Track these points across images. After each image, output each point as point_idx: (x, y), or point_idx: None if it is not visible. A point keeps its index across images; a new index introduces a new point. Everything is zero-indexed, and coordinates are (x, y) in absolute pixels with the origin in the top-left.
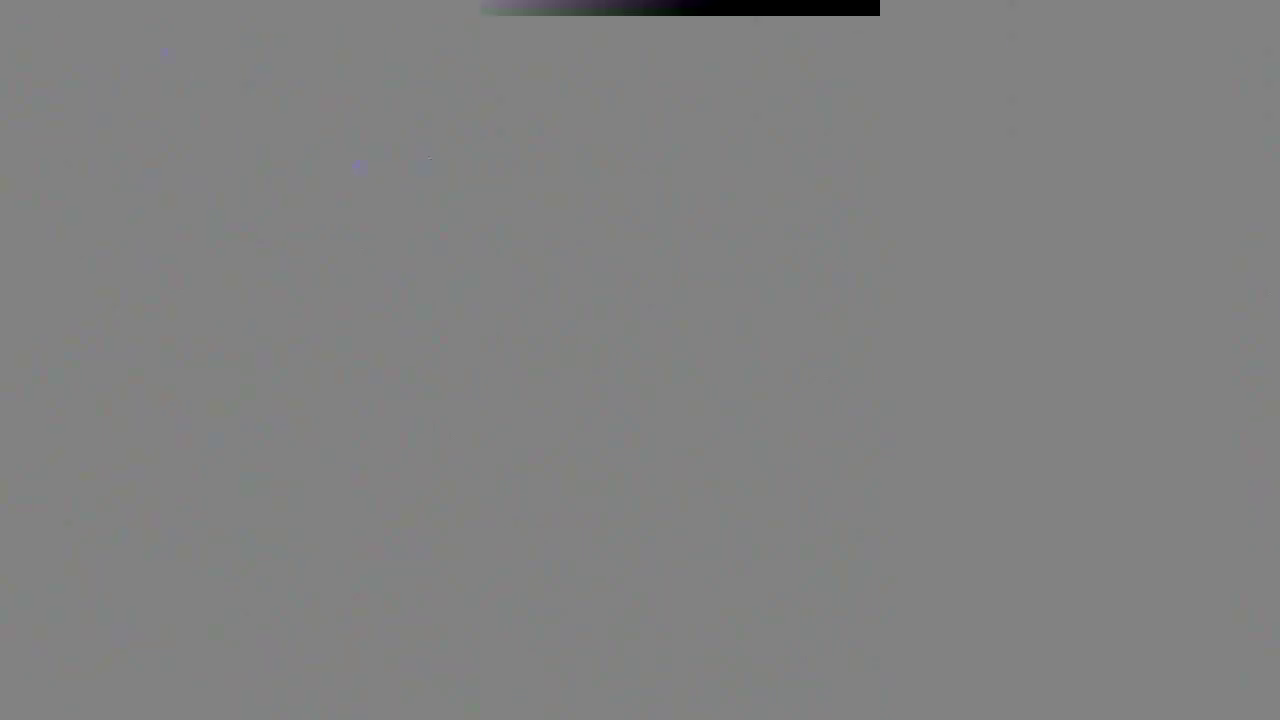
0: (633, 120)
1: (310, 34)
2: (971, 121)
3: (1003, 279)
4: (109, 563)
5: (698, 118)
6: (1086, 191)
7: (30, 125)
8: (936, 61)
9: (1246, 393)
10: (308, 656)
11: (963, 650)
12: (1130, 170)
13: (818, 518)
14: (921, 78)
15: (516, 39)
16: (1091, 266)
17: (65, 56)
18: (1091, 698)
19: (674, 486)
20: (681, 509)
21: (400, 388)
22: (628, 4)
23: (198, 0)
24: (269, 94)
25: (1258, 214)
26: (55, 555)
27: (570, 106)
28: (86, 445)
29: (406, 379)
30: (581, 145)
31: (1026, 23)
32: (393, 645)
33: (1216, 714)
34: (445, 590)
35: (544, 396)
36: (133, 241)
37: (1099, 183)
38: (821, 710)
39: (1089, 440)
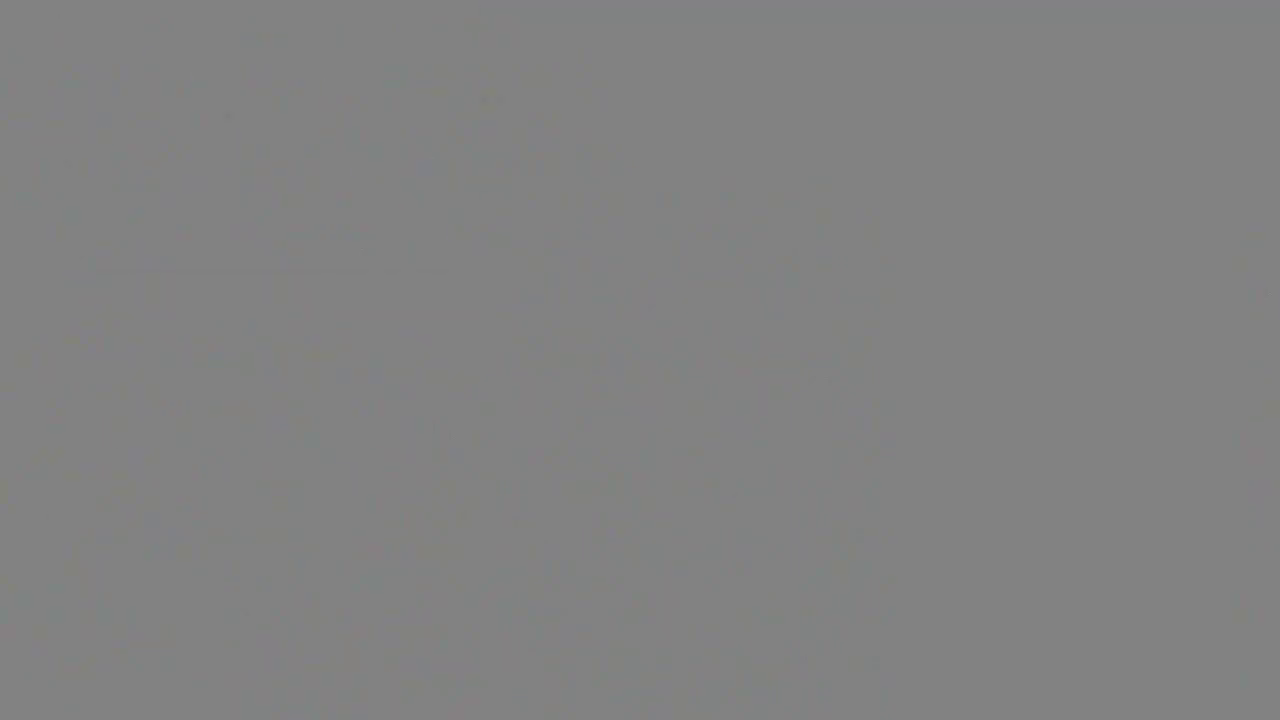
0: (632, 122)
1: (310, 34)
2: (971, 122)
3: (1002, 280)
4: (108, 563)
5: (695, 120)
6: (1085, 192)
7: (30, 125)
8: (938, 63)
9: (1246, 393)
10: (308, 656)
11: (963, 650)
12: (1129, 171)
13: (818, 518)
14: (921, 80)
15: (515, 40)
16: (1091, 267)
17: (65, 56)
18: (1091, 698)
19: (674, 486)
20: (681, 509)
21: (400, 388)
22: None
23: (197, 1)
24: (268, 96)
25: (1258, 214)
26: (55, 555)
27: (571, 108)
28: (86, 445)
29: (406, 379)
30: (582, 147)
31: (1025, 26)
32: (393, 645)
33: (1216, 714)
34: (445, 590)
35: (544, 396)
36: (132, 241)
37: (1098, 183)
38: (822, 710)
39: (1089, 440)
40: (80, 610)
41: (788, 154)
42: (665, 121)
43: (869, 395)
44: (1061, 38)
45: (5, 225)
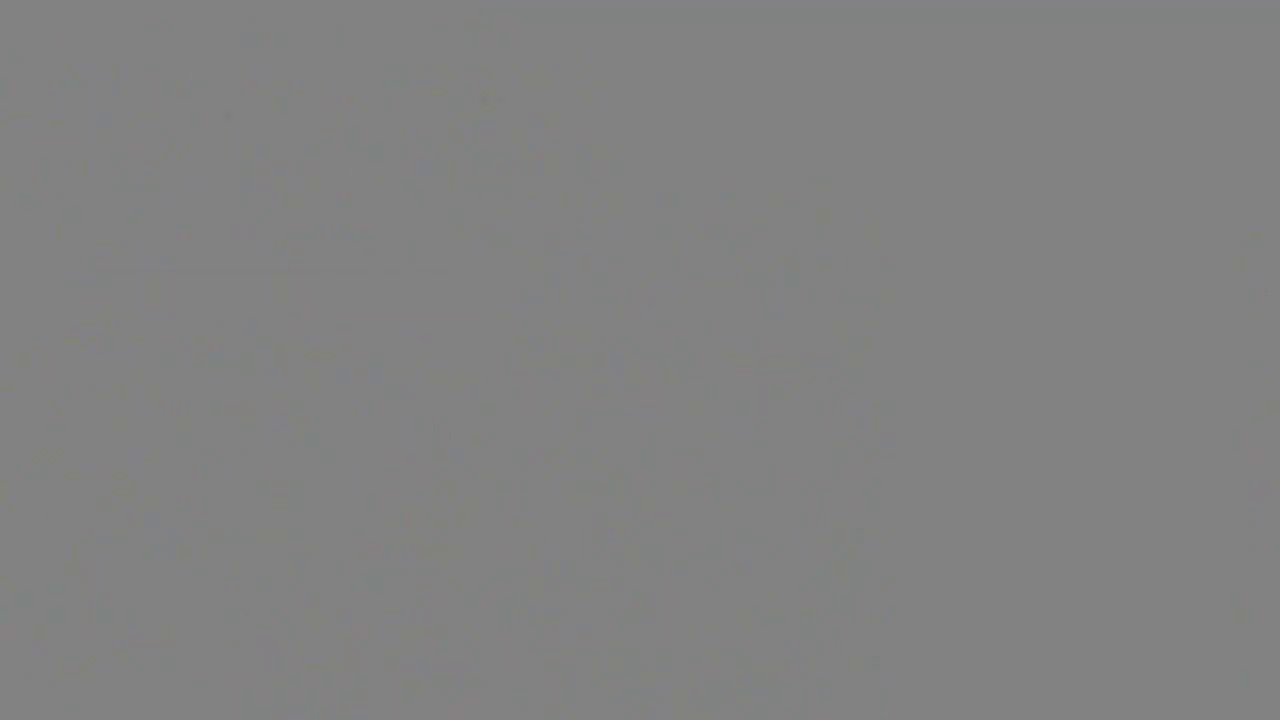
0: (632, 122)
1: (310, 34)
2: (971, 122)
3: (1002, 280)
4: (108, 563)
5: (695, 120)
6: (1085, 192)
7: (30, 125)
8: (938, 63)
9: (1246, 393)
10: (308, 656)
11: (962, 650)
12: (1129, 171)
13: (818, 518)
14: (921, 80)
15: (515, 40)
16: (1091, 267)
17: (65, 56)
18: (1091, 698)
19: (674, 486)
20: (681, 509)
21: (400, 388)
22: None
23: (198, 0)
24: (268, 96)
25: (1258, 214)
26: (55, 555)
27: (571, 108)
28: (86, 445)
29: (406, 379)
30: (582, 147)
31: (1025, 26)
32: (393, 645)
33: (1216, 714)
34: (445, 590)
35: (544, 396)
36: (132, 241)
37: (1098, 183)
38: (822, 710)
39: (1089, 440)
40: (80, 610)
41: (788, 154)
42: (665, 121)
43: (869, 395)
44: (1061, 38)
45: (5, 225)
